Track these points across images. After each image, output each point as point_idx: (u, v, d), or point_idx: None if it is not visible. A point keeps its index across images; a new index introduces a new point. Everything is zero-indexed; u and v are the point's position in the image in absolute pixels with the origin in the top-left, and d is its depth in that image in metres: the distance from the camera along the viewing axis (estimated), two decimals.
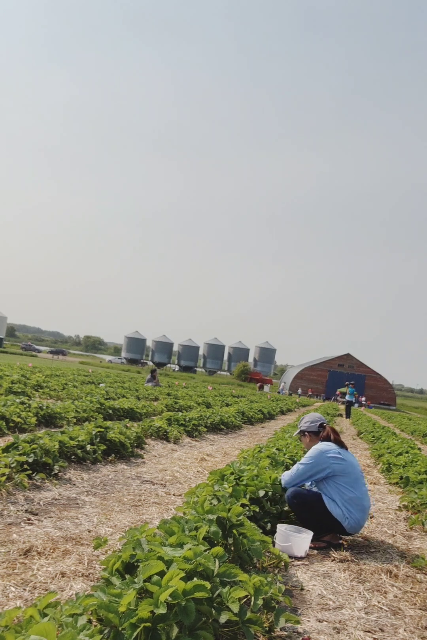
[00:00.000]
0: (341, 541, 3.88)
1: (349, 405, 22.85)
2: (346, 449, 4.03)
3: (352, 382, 23.24)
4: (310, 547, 3.74)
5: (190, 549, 2.33)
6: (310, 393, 64.91)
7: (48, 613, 1.90)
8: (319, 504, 3.78)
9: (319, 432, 4.15)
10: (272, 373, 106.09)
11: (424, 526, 4.53)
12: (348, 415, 22.40)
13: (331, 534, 3.81)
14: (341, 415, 25.18)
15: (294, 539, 3.48)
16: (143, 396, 15.09)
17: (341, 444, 4.03)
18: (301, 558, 3.47)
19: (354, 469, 3.86)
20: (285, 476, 4.05)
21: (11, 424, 6.66)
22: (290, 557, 3.36)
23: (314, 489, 4.00)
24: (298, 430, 4.31)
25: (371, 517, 4.84)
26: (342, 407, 32.89)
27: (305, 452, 4.26)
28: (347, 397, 22.78)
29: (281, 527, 3.57)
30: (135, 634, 1.80)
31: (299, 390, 64.20)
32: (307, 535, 3.54)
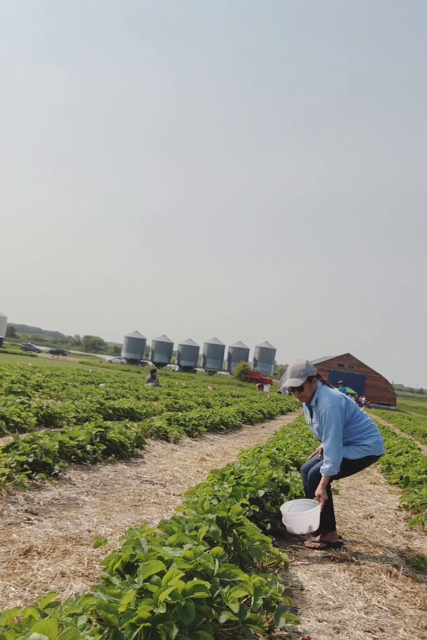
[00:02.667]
0: (340, 540, 3.86)
1: None
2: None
3: (342, 381, 23.29)
4: (309, 547, 3.74)
5: (190, 549, 2.33)
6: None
7: (48, 613, 1.90)
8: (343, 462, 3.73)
9: (318, 377, 3.88)
10: (272, 373, 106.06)
11: (424, 526, 4.53)
12: None
13: (330, 533, 3.77)
14: None
15: (308, 515, 3.53)
16: (143, 396, 15.09)
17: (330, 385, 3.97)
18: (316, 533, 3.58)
19: (356, 406, 3.89)
20: (332, 456, 3.65)
21: (11, 424, 6.66)
22: (309, 533, 3.57)
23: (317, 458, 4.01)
24: (305, 377, 3.75)
25: (371, 517, 4.84)
26: None
27: (309, 406, 3.92)
28: None
29: (285, 508, 3.67)
30: (135, 634, 1.80)
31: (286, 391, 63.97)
32: (317, 506, 3.59)
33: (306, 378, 3.77)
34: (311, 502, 3.71)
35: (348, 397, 3.92)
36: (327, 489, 3.75)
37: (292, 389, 3.85)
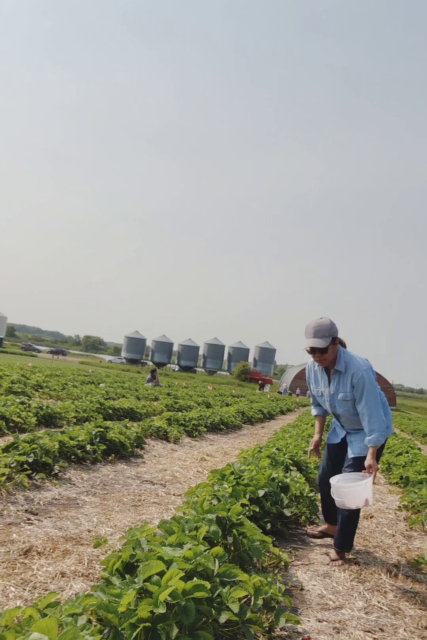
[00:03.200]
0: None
1: None
2: None
3: None
4: (310, 534, 3.90)
5: (190, 548, 2.33)
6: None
7: (48, 613, 1.90)
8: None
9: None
10: (272, 373, 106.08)
11: (424, 526, 4.53)
12: None
13: (327, 526, 3.67)
14: None
15: (364, 485, 3.13)
16: (143, 396, 15.09)
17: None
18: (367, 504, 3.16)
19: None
20: (377, 424, 3.26)
21: (11, 424, 6.66)
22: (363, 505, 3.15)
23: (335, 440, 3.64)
24: (330, 337, 3.33)
25: (371, 517, 4.84)
26: None
27: (331, 371, 3.50)
28: None
29: (334, 480, 3.28)
30: (135, 634, 1.80)
31: (297, 390, 63.90)
32: (370, 478, 3.18)
33: (330, 338, 3.35)
34: (359, 476, 3.28)
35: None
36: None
37: (313, 351, 3.40)
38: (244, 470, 4.21)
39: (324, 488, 3.69)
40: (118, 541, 3.21)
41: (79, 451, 5.43)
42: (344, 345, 3.50)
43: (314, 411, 3.87)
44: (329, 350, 3.36)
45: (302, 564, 3.39)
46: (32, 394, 10.63)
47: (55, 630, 1.66)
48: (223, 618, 2.03)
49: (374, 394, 3.29)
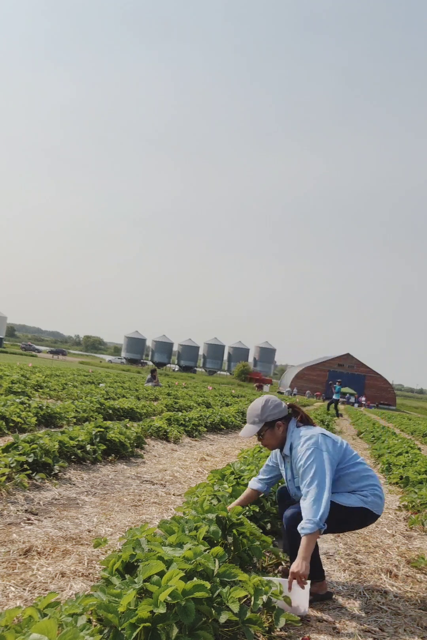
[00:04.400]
0: (330, 591, 2.91)
1: (335, 403, 22.98)
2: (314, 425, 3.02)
3: (338, 380, 23.39)
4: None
5: (190, 548, 2.33)
6: (317, 394, 64.06)
7: (48, 613, 1.90)
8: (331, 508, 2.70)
9: (290, 416, 2.99)
10: (272, 373, 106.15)
11: (424, 526, 4.53)
12: (337, 413, 22.53)
13: (318, 583, 2.80)
14: (340, 415, 25.24)
15: (298, 593, 2.52)
16: (143, 396, 15.09)
17: (312, 422, 3.01)
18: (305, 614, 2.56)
19: (344, 442, 2.97)
20: (310, 514, 2.59)
21: (11, 424, 6.66)
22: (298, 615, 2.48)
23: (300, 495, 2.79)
24: (261, 423, 2.93)
25: None
26: (341, 406, 33.02)
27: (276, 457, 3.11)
28: (333, 396, 22.90)
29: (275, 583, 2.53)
30: (135, 634, 1.80)
31: (295, 390, 63.67)
32: (306, 586, 2.54)
33: (263, 424, 2.93)
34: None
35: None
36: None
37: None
38: (244, 470, 4.20)
39: (280, 509, 3.16)
40: (118, 541, 3.21)
41: (79, 451, 5.43)
42: (304, 420, 2.98)
43: (252, 483, 3.27)
44: (266, 435, 2.96)
45: None
46: (32, 394, 10.63)
47: (55, 630, 1.66)
48: (223, 618, 2.04)
49: (319, 476, 2.68)
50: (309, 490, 2.66)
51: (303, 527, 2.58)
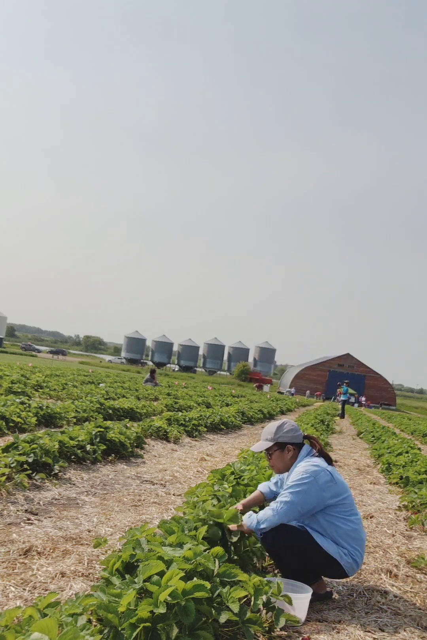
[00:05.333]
0: (329, 590, 2.91)
1: (343, 404, 22.92)
2: (333, 464, 2.96)
3: (346, 381, 23.29)
4: None
5: (190, 548, 2.33)
6: (317, 394, 63.79)
7: (48, 613, 1.90)
8: (309, 543, 2.72)
9: (302, 445, 2.96)
10: (272, 373, 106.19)
11: (424, 526, 4.53)
12: (342, 414, 22.45)
13: (316, 584, 2.78)
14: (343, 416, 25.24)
15: (297, 600, 2.47)
16: (143, 396, 15.10)
17: (330, 460, 2.94)
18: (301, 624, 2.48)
19: (347, 493, 2.86)
20: (262, 519, 2.70)
21: (11, 424, 6.66)
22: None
23: (293, 523, 2.81)
24: (272, 442, 2.92)
25: (371, 517, 4.84)
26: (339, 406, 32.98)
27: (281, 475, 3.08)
28: (341, 397, 22.82)
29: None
30: (135, 633, 1.80)
31: (293, 390, 63.49)
32: (308, 594, 2.55)
33: (273, 443, 2.91)
34: (298, 585, 2.64)
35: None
36: (305, 534, 2.75)
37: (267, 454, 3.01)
38: (244, 470, 4.20)
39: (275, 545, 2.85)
40: (118, 541, 3.21)
41: (79, 451, 5.43)
42: (321, 454, 2.93)
43: (261, 486, 3.20)
44: (274, 455, 2.94)
45: None
46: (32, 394, 10.63)
47: (55, 630, 1.66)
48: (223, 618, 2.04)
49: (297, 499, 2.67)
50: (281, 501, 2.70)
51: (251, 517, 2.75)
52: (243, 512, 2.91)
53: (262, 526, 2.70)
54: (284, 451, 2.92)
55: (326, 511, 2.77)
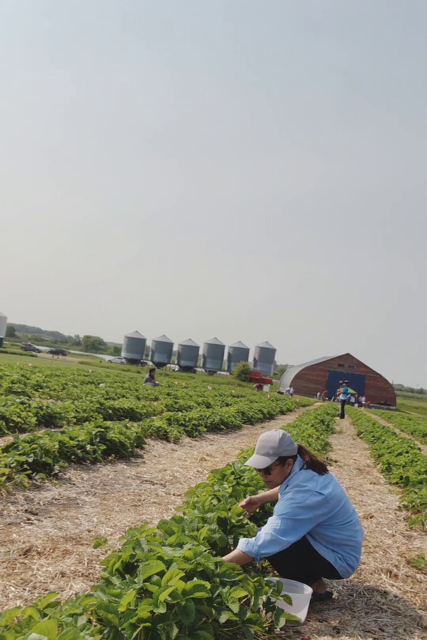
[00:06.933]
0: (329, 590, 2.93)
1: (342, 404, 22.90)
2: (326, 471, 2.86)
3: (345, 381, 23.27)
4: None
5: (190, 548, 2.33)
6: (320, 394, 63.55)
7: (48, 613, 1.90)
8: (305, 548, 2.72)
9: (296, 457, 2.83)
10: (272, 373, 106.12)
11: (424, 526, 4.53)
12: (342, 414, 22.43)
13: (316, 582, 2.81)
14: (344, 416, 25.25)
15: (296, 600, 2.45)
16: (143, 396, 15.10)
17: (322, 468, 2.84)
18: (301, 624, 2.48)
19: (342, 502, 2.77)
20: (259, 541, 2.56)
21: (11, 424, 6.66)
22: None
23: None
24: (275, 457, 2.75)
25: (371, 517, 4.84)
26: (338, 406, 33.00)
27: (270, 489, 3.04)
28: (340, 397, 22.81)
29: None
30: (135, 634, 1.80)
31: (292, 389, 63.41)
32: (308, 593, 2.56)
33: (276, 458, 2.75)
34: (297, 585, 2.67)
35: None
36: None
37: (259, 469, 2.83)
38: (244, 470, 4.20)
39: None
40: (118, 541, 3.21)
41: (79, 451, 5.43)
42: (312, 465, 2.81)
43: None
44: (273, 471, 2.77)
45: None
46: (32, 394, 10.63)
47: (55, 630, 1.66)
48: (223, 618, 2.04)
49: (290, 526, 2.58)
50: (272, 526, 2.59)
51: (247, 542, 2.55)
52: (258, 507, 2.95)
53: (253, 552, 2.54)
54: (284, 466, 2.78)
55: (320, 525, 2.72)
